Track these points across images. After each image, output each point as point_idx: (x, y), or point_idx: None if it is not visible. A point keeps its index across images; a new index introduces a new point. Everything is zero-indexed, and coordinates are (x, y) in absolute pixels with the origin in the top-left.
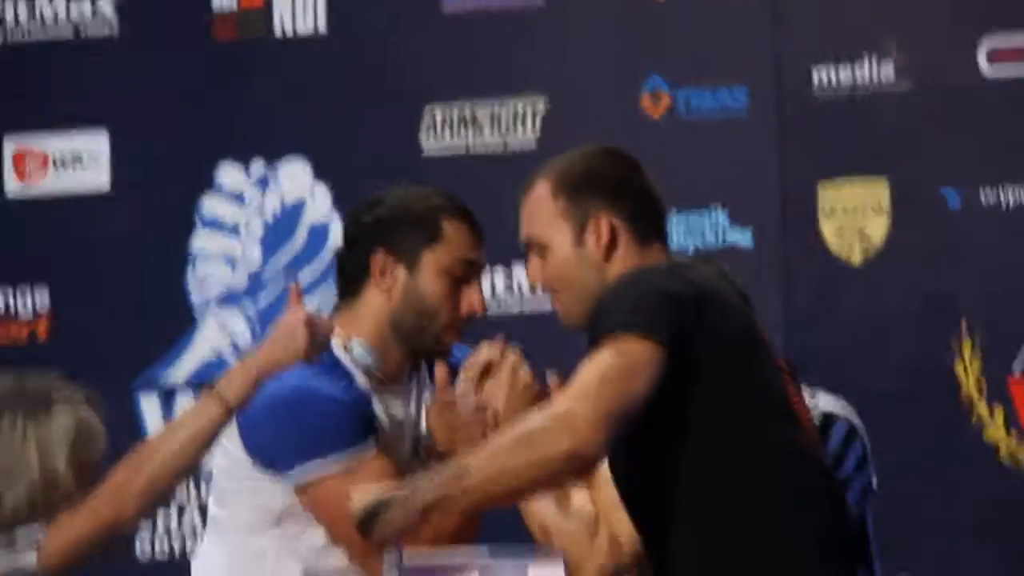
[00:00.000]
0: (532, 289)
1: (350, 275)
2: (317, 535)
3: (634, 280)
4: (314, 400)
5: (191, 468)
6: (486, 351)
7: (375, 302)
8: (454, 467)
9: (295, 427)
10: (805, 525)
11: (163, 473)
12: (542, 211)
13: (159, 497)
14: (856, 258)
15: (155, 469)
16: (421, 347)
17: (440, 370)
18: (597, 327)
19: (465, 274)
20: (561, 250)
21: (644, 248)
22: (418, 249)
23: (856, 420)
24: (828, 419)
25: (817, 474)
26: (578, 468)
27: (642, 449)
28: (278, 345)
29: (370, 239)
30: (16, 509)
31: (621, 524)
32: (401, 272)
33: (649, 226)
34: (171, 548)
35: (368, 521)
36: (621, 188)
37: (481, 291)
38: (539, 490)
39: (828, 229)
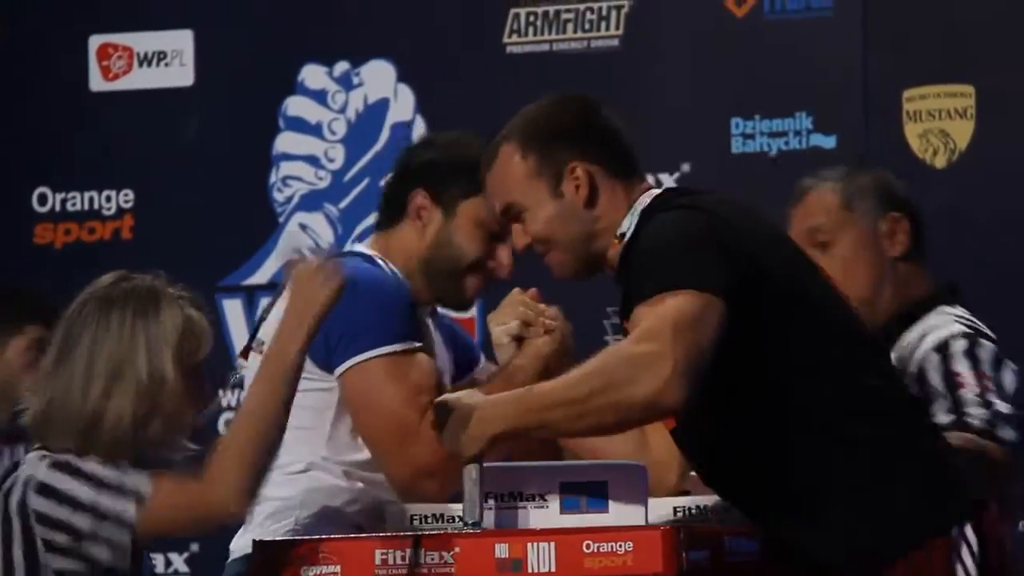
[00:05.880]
0: (527, 252)
1: (391, 206)
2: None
3: (675, 232)
4: (371, 288)
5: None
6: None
7: (407, 238)
8: (535, 396)
9: (352, 313)
10: (895, 448)
11: (257, 457)
12: (513, 175)
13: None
14: (940, 161)
15: (246, 457)
16: (444, 293)
17: (532, 291)
18: (648, 285)
19: (501, 230)
20: (541, 208)
21: (628, 184)
22: (457, 197)
23: None
24: None
25: (891, 389)
26: (657, 415)
27: (716, 404)
28: (300, 300)
29: (415, 177)
30: (120, 413)
31: (659, 447)
32: (437, 215)
33: (625, 162)
34: None
35: (442, 422)
36: (586, 133)
37: (511, 252)
38: (614, 431)
39: (912, 132)
